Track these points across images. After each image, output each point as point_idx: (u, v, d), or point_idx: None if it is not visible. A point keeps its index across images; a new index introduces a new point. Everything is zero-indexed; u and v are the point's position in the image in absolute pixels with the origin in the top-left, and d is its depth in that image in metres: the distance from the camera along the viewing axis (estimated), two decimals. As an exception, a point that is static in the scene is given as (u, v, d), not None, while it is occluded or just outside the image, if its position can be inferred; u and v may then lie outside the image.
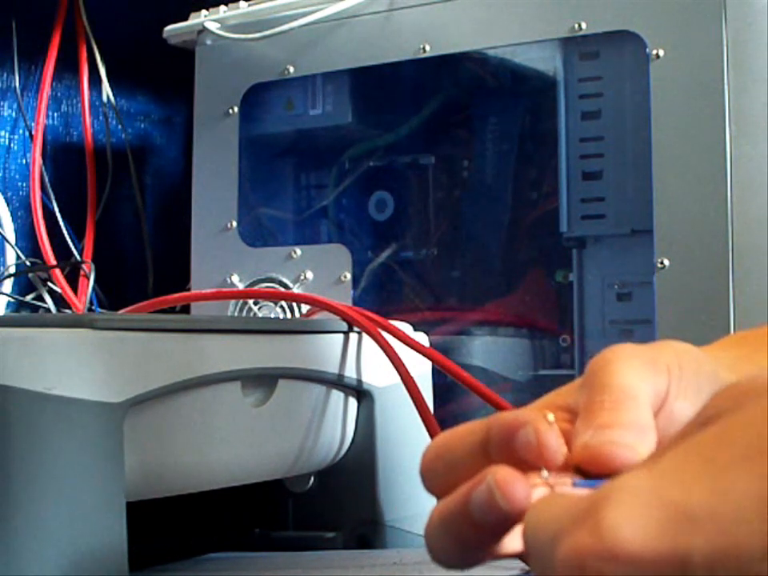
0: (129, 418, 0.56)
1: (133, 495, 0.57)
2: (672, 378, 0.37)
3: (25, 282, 1.09)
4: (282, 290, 0.96)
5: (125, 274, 1.22)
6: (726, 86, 0.76)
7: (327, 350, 0.72)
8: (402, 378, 0.72)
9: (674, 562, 0.24)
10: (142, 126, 1.26)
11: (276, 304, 0.95)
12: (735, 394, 0.28)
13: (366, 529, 0.75)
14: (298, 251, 0.96)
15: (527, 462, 0.33)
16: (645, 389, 0.36)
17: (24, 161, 1.13)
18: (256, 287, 0.97)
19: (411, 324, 0.81)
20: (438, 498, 0.34)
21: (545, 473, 0.33)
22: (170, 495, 0.63)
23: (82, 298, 1.03)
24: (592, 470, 0.34)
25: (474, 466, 0.33)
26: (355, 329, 0.74)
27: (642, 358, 0.37)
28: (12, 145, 1.13)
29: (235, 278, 0.98)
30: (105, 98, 1.18)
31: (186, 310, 1.00)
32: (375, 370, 0.75)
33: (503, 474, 0.30)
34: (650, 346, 0.39)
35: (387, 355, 0.73)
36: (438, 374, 0.80)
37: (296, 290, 0.96)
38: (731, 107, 0.76)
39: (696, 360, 0.39)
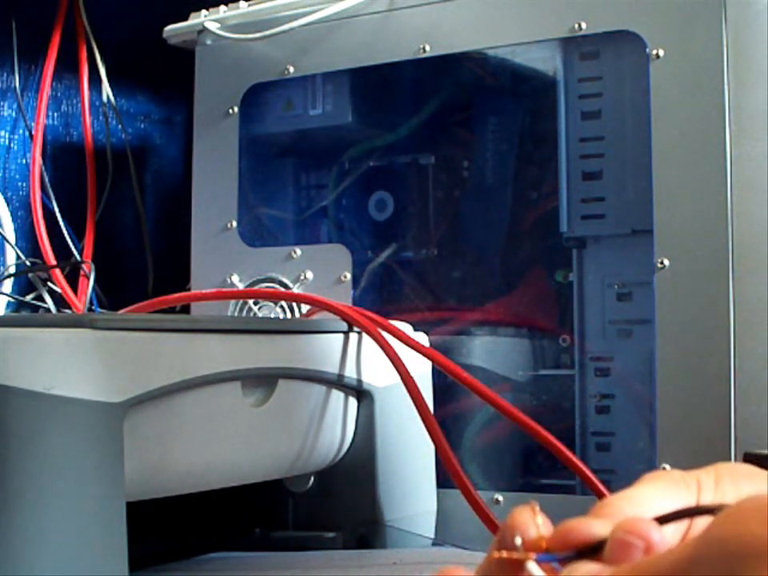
0: (129, 418, 0.56)
1: (133, 495, 0.57)
2: (703, 491, 0.38)
3: (25, 282, 1.09)
4: (282, 290, 0.96)
5: (125, 273, 1.22)
6: (725, 86, 0.76)
7: (327, 350, 0.72)
8: (402, 378, 0.72)
9: None
10: (142, 125, 1.26)
11: (276, 304, 0.95)
12: (729, 552, 0.28)
13: (366, 529, 0.75)
14: (298, 251, 0.96)
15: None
16: (654, 501, 0.36)
17: (24, 161, 1.13)
18: (256, 287, 0.97)
19: (411, 324, 0.81)
20: None
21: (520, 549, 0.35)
22: (170, 495, 0.63)
23: (82, 298, 1.03)
24: (557, 548, 0.35)
25: None
26: (355, 329, 0.74)
27: (667, 478, 0.38)
28: (12, 145, 1.13)
29: (235, 278, 0.98)
30: (105, 98, 1.18)
31: (185, 310, 1.00)
32: (375, 370, 0.75)
33: None
34: (692, 471, 0.39)
35: (387, 355, 0.73)
36: (437, 374, 0.80)
37: (296, 290, 0.96)
38: (731, 107, 0.76)
39: (738, 471, 0.39)
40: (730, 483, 0.39)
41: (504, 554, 0.35)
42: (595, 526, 0.34)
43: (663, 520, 0.34)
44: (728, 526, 0.29)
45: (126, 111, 1.24)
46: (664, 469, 0.39)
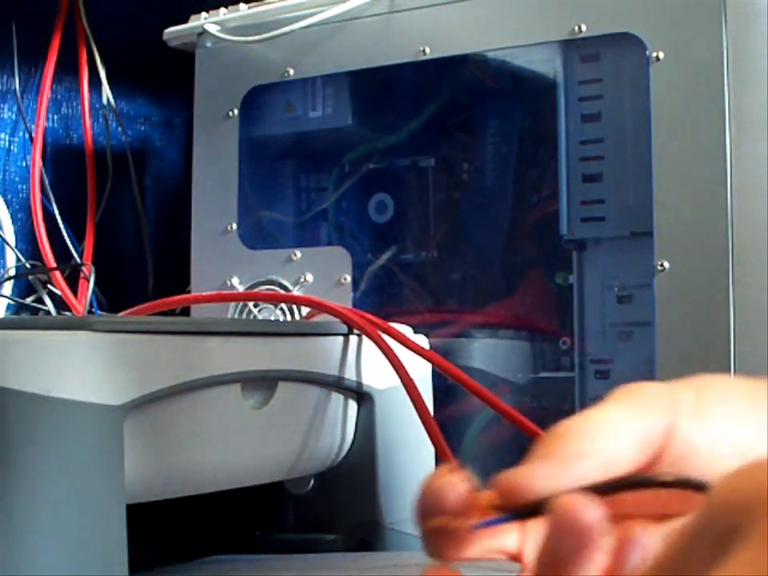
0: (129, 421, 0.56)
1: (133, 497, 0.57)
2: (681, 410, 0.36)
3: (25, 285, 1.09)
4: (282, 292, 0.96)
5: (125, 276, 1.22)
6: (726, 88, 0.76)
7: (327, 353, 0.72)
8: (401, 381, 0.72)
9: None
10: (142, 128, 1.26)
11: (276, 306, 0.95)
12: (747, 501, 0.25)
13: (366, 531, 0.75)
14: (298, 253, 0.96)
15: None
16: (618, 427, 0.35)
17: (24, 163, 1.13)
18: (256, 290, 0.97)
19: (411, 326, 0.81)
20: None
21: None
22: (170, 497, 0.63)
23: (82, 301, 1.03)
24: (506, 505, 0.33)
25: None
26: (355, 331, 0.74)
27: (639, 396, 0.36)
28: (12, 147, 1.13)
29: (235, 281, 0.98)
30: (105, 101, 1.18)
31: (185, 312, 1.00)
32: (375, 373, 0.75)
33: None
34: (671, 385, 0.38)
35: (387, 357, 0.73)
36: (437, 377, 0.80)
37: (296, 292, 0.96)
38: (731, 109, 0.76)
39: (721, 385, 0.38)
40: (713, 400, 0.37)
41: (441, 522, 0.33)
42: (539, 482, 0.33)
43: (607, 489, 0.33)
44: (728, 486, 0.26)
45: (126, 113, 1.24)
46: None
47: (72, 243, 1.11)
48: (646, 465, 0.36)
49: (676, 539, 0.27)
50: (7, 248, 1.08)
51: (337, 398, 0.73)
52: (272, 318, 0.95)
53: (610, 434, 0.34)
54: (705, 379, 0.38)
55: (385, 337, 0.74)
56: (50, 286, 1.07)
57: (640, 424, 0.35)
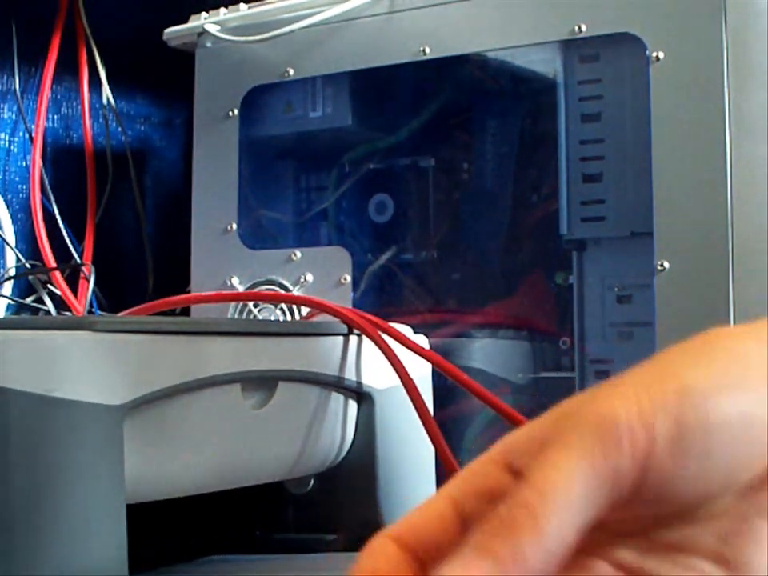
0: (129, 421, 0.56)
1: (133, 497, 0.57)
2: (655, 442, 0.29)
3: (25, 285, 1.09)
4: (282, 292, 0.96)
5: (125, 276, 1.22)
6: (726, 88, 0.76)
7: (327, 353, 0.72)
8: (402, 381, 0.72)
9: None
10: (142, 128, 1.26)
11: (276, 306, 0.95)
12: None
13: (367, 531, 0.75)
14: (298, 253, 0.96)
15: None
16: (568, 496, 0.28)
17: (24, 163, 1.13)
18: (256, 290, 0.97)
19: (411, 326, 0.81)
20: None
21: None
22: (170, 498, 0.63)
23: (82, 301, 1.03)
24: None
25: None
26: (355, 331, 0.74)
27: (588, 430, 0.29)
28: (12, 147, 1.13)
29: (235, 281, 0.98)
30: (105, 101, 1.18)
31: (185, 312, 1.00)
32: (375, 373, 0.75)
33: None
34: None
35: (387, 358, 0.73)
36: (437, 377, 0.80)
37: (296, 292, 0.96)
38: (731, 109, 0.76)
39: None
40: (694, 425, 0.29)
41: None
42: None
43: None
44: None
45: (126, 113, 1.24)
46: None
47: (72, 243, 1.11)
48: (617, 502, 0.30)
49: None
50: (7, 248, 1.07)
51: (337, 398, 0.73)
52: (272, 318, 0.95)
53: (570, 496, 0.28)
54: (690, 391, 0.30)
55: (385, 337, 0.74)
56: (49, 286, 1.07)
57: (604, 473, 0.29)
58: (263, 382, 0.67)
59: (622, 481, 0.29)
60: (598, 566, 0.31)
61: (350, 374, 0.73)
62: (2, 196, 1.09)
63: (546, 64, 0.90)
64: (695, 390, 0.30)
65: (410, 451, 0.77)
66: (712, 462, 0.30)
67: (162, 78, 1.24)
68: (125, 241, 1.23)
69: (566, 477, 0.28)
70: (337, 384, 0.72)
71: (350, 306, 0.89)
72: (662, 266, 0.78)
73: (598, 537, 0.31)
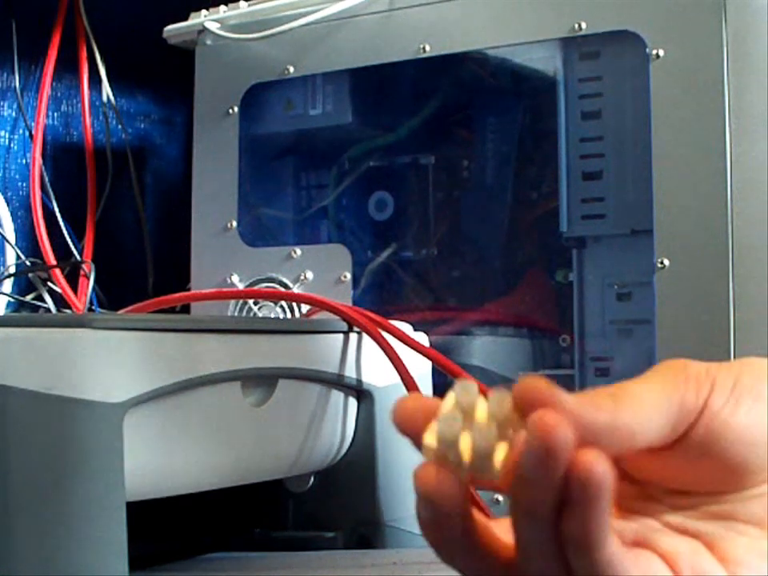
0: (129, 418, 0.56)
1: (133, 495, 0.57)
2: (716, 393, 0.36)
3: (25, 282, 1.09)
4: (282, 289, 0.96)
5: (125, 273, 1.22)
6: (725, 86, 0.76)
7: (327, 350, 0.72)
8: (401, 378, 0.72)
9: None
10: (142, 125, 1.26)
11: (276, 304, 0.95)
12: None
13: (366, 528, 0.75)
14: (298, 251, 0.96)
15: None
16: (653, 399, 0.35)
17: (24, 161, 1.13)
18: (256, 287, 0.97)
19: (411, 324, 0.81)
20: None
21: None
22: (170, 495, 0.63)
23: (82, 298, 1.03)
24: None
25: None
26: (355, 329, 0.74)
27: (676, 374, 0.36)
28: (12, 145, 1.13)
29: (235, 278, 0.98)
30: (105, 98, 1.18)
31: (186, 310, 1.00)
32: (375, 370, 0.75)
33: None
34: (714, 367, 0.37)
35: (387, 355, 0.73)
36: (437, 374, 0.80)
37: (296, 289, 0.96)
38: (731, 107, 0.76)
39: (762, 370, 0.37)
40: (755, 383, 0.37)
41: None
42: (564, 409, 0.33)
43: None
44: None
45: (126, 111, 1.24)
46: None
47: (72, 241, 1.11)
48: (675, 440, 0.36)
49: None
50: (7, 245, 1.07)
51: (337, 395, 0.73)
52: (272, 316, 0.95)
53: (644, 405, 0.35)
54: (751, 362, 0.38)
55: (385, 334, 0.74)
56: (50, 284, 1.07)
57: (674, 398, 0.35)
58: (263, 380, 0.67)
59: (686, 412, 0.35)
60: (650, 522, 0.37)
61: (350, 372, 0.73)
62: (2, 193, 1.09)
63: (546, 61, 0.89)
64: (754, 365, 0.37)
65: (409, 449, 0.77)
66: (754, 429, 0.36)
67: (162, 76, 1.24)
68: (125, 238, 1.23)
69: (643, 389, 0.35)
70: (337, 381, 0.72)
71: (350, 304, 0.89)
72: (661, 263, 0.78)
73: (652, 507, 0.37)
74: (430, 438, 0.33)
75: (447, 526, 0.33)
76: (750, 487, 0.37)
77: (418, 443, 0.34)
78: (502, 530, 0.35)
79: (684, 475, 0.37)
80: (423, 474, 0.33)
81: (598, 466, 0.31)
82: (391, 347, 0.73)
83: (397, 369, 0.72)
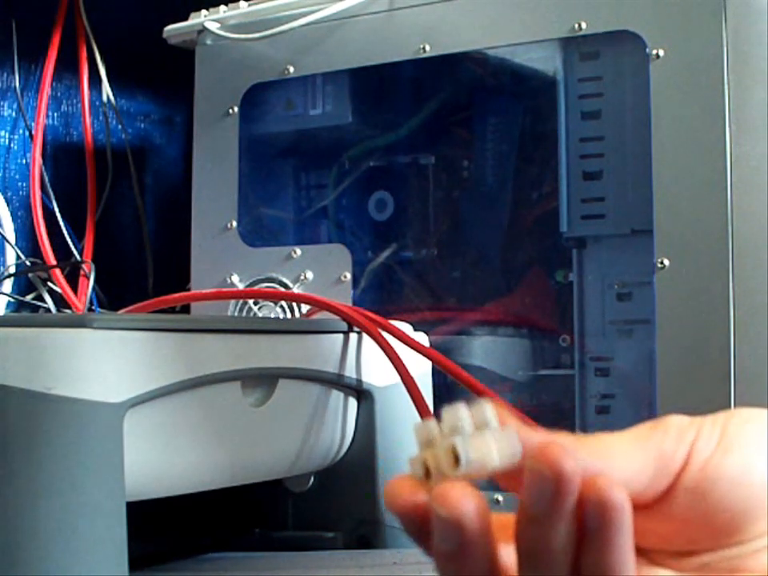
0: (129, 418, 0.56)
1: (133, 495, 0.57)
2: (701, 436, 0.35)
3: (25, 282, 1.09)
4: (282, 289, 0.96)
5: (125, 273, 1.22)
6: (725, 86, 0.76)
7: (327, 350, 0.72)
8: (401, 378, 0.72)
9: None
10: (142, 125, 1.26)
11: (276, 304, 0.95)
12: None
13: (366, 529, 0.75)
14: (298, 251, 0.96)
15: None
16: (628, 449, 0.34)
17: (24, 161, 1.13)
18: (256, 287, 0.97)
19: (411, 324, 0.81)
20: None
21: None
22: (170, 495, 0.63)
23: (82, 298, 1.03)
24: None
25: None
26: (355, 329, 0.74)
27: (653, 426, 0.35)
28: (12, 145, 1.13)
29: (235, 278, 0.98)
30: (105, 98, 1.18)
31: (185, 309, 1.00)
32: (375, 370, 0.75)
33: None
34: (699, 419, 0.36)
35: (387, 355, 0.73)
36: (437, 374, 0.80)
37: (296, 289, 0.96)
38: (731, 107, 0.76)
39: (751, 418, 0.36)
40: (744, 429, 0.35)
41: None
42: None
43: None
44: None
45: (126, 111, 1.24)
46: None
47: (72, 241, 1.11)
48: (666, 493, 0.35)
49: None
50: (7, 245, 1.08)
51: (337, 395, 0.73)
52: (272, 316, 0.95)
53: (613, 452, 0.34)
54: (738, 412, 0.37)
55: (385, 334, 0.74)
56: (50, 284, 1.07)
57: (648, 446, 0.34)
58: (263, 380, 0.67)
59: (666, 460, 0.34)
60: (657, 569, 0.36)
61: (350, 372, 0.73)
62: (2, 193, 1.09)
63: (546, 62, 0.90)
64: (742, 414, 0.36)
65: (409, 449, 0.77)
66: (749, 477, 0.34)
67: (162, 76, 1.24)
68: (125, 238, 1.23)
69: (613, 438, 0.34)
70: (337, 381, 0.72)
71: (350, 304, 0.89)
72: (661, 263, 0.78)
73: (658, 573, 0.36)
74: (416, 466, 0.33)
75: (473, 556, 0.31)
76: (754, 538, 0.35)
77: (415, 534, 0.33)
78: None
79: (685, 532, 0.35)
80: (440, 494, 0.32)
81: (615, 488, 0.30)
82: (391, 347, 0.73)
83: (397, 369, 0.72)
